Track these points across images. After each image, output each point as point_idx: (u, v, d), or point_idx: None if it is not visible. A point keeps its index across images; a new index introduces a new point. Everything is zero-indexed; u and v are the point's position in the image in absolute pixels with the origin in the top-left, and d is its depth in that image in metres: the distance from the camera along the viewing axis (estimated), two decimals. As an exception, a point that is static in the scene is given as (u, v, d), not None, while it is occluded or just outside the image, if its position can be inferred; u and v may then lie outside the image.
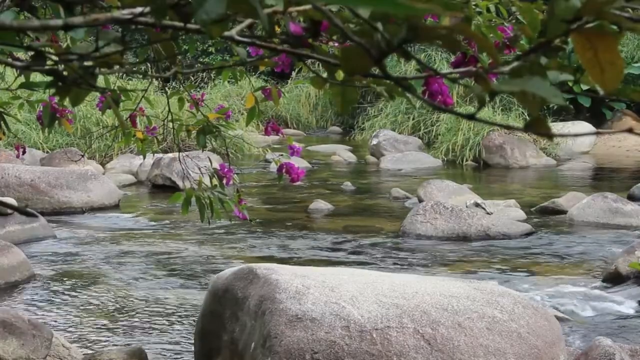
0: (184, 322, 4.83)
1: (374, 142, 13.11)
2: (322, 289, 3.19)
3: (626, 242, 6.46)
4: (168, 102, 2.77)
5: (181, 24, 0.96)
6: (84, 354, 4.13)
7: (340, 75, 0.97)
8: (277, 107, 15.49)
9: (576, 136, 0.94)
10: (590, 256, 6.44)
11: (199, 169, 2.82)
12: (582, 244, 6.84)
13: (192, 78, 16.25)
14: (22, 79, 2.03)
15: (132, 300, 5.25)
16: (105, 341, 4.49)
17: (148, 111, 3.46)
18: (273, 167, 9.86)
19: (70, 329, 4.70)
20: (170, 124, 2.88)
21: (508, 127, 0.86)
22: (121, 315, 4.96)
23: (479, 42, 0.80)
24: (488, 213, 7.55)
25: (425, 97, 1.03)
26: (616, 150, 13.37)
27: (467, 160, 12.13)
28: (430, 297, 3.16)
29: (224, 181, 2.64)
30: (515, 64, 0.78)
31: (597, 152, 13.46)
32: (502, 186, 10.45)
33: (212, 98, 13.88)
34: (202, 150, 2.97)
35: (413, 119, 14.02)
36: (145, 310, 5.05)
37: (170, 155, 9.76)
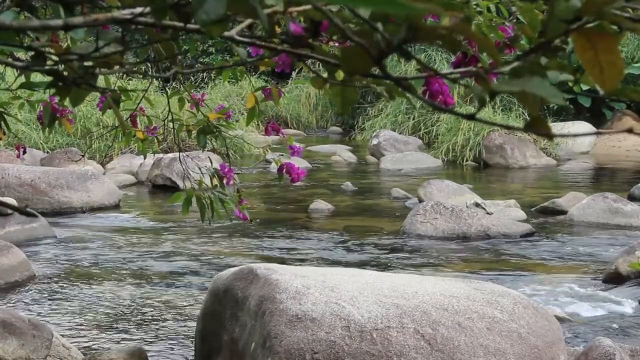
0: (184, 322, 4.83)
1: (374, 142, 13.11)
2: (322, 289, 3.19)
3: (626, 242, 6.46)
4: (168, 102, 2.77)
5: (181, 24, 0.96)
6: (84, 354, 4.13)
7: (340, 75, 0.97)
8: (277, 107, 15.47)
9: (576, 136, 0.94)
10: (590, 256, 6.44)
11: (199, 169, 2.82)
12: (582, 244, 6.84)
13: (193, 78, 16.25)
14: (22, 79, 2.03)
15: (132, 300, 5.25)
16: (105, 341, 4.49)
17: (148, 111, 3.46)
18: (273, 167, 9.86)
19: (70, 329, 4.70)
20: (171, 124, 2.88)
21: (508, 127, 0.86)
22: (121, 315, 4.96)
23: (479, 42, 0.80)
24: (488, 213, 7.55)
25: (426, 97, 1.03)
26: (616, 150, 13.37)
27: (467, 161, 12.13)
28: (430, 297, 3.16)
29: (225, 181, 2.64)
30: (515, 64, 0.78)
31: (597, 152, 13.46)
32: (502, 186, 10.45)
33: (213, 98, 13.88)
34: (202, 150, 2.97)
35: (413, 119, 14.01)
36: (145, 310, 5.05)
37: (171, 155, 9.76)
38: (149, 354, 4.10)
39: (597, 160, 12.69)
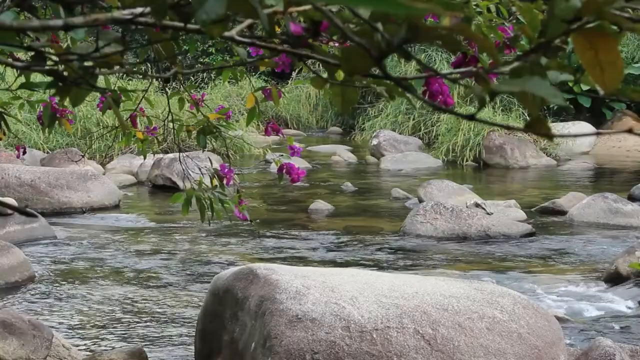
0: (184, 322, 4.83)
1: (374, 142, 13.11)
2: (322, 290, 3.19)
3: (626, 242, 6.46)
4: (168, 103, 2.77)
5: (181, 24, 0.96)
6: (84, 355, 4.13)
7: (340, 75, 0.97)
8: (277, 107, 15.49)
9: (576, 136, 0.94)
10: (590, 256, 6.44)
11: (199, 169, 2.82)
12: (582, 244, 6.84)
13: (193, 78, 16.24)
14: (22, 79, 2.03)
15: (132, 301, 5.25)
16: (105, 341, 4.49)
17: (148, 111, 3.46)
18: (273, 167, 9.84)
19: (70, 329, 4.70)
20: (171, 124, 2.88)
21: (508, 128, 0.86)
22: (121, 315, 4.96)
23: (479, 42, 0.80)
24: (488, 213, 7.55)
25: (426, 98, 1.03)
26: (616, 151, 13.37)
27: (467, 161, 12.12)
28: (430, 297, 3.16)
29: (224, 181, 2.64)
30: (515, 64, 0.78)
31: (597, 152, 13.46)
32: (502, 186, 10.45)
33: (213, 98, 13.87)
34: (202, 151, 2.97)
35: (413, 119, 14.01)
36: (145, 311, 5.05)
37: (171, 155, 9.75)
38: (149, 354, 4.10)
39: (597, 160, 12.68)
